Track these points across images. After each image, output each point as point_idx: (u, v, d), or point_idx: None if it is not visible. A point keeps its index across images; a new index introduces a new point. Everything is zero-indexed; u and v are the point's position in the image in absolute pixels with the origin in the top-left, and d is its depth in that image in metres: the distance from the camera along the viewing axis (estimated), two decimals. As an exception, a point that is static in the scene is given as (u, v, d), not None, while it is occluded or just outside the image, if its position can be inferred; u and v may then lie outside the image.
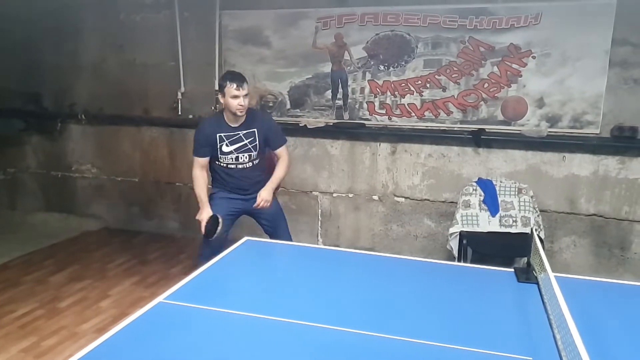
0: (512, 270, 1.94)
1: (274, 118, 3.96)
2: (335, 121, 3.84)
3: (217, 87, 3.98)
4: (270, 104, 3.98)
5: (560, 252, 3.55)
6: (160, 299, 1.69)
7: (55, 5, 4.27)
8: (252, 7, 3.86)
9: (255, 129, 2.85)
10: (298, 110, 3.92)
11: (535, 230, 3.21)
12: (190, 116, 4.15)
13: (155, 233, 4.46)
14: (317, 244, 4.01)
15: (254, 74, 3.95)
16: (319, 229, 4.08)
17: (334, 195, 4.00)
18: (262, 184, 2.93)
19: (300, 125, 3.89)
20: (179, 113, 4.17)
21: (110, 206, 4.64)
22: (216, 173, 2.93)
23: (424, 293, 1.84)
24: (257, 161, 2.92)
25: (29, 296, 3.24)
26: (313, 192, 4.04)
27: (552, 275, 1.57)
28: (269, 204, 2.89)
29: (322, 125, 3.86)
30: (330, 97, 3.83)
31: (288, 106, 3.94)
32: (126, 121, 4.37)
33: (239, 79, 2.72)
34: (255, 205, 2.87)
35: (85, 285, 3.43)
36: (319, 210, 4.05)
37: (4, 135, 4.74)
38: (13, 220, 4.74)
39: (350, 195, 3.96)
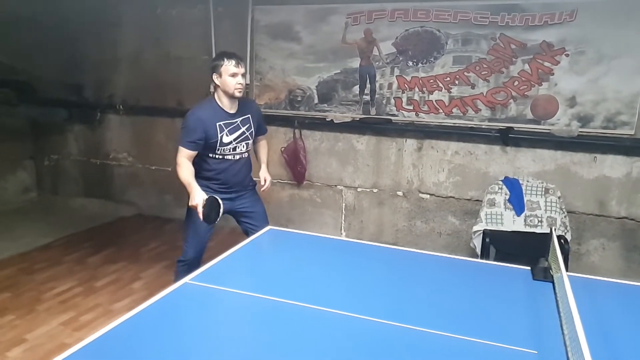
0: (529, 268, 1.95)
1: (303, 112, 4.06)
2: (362, 116, 3.88)
3: (247, 81, 4.10)
4: (299, 99, 4.05)
5: (587, 254, 3.49)
6: (186, 279, 1.80)
7: (96, 1, 4.46)
8: (284, 2, 3.93)
9: (250, 115, 2.66)
10: (325, 104, 3.98)
11: (562, 231, 3.18)
12: (222, 109, 4.26)
13: (186, 221, 4.62)
14: (341, 237, 4.07)
15: (284, 69, 4.03)
16: (343, 222, 4.14)
17: (359, 189, 4.05)
18: (248, 179, 2.79)
19: (327, 120, 3.95)
20: (211, 105, 4.30)
21: (144, 194, 4.84)
22: (204, 169, 2.65)
23: (440, 286, 1.87)
24: (249, 150, 2.75)
25: (68, 275, 3.44)
26: (338, 186, 4.10)
27: (564, 273, 1.58)
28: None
29: (349, 120, 3.90)
30: (357, 92, 3.87)
31: (316, 101, 4.00)
32: (161, 112, 4.53)
33: (236, 55, 2.54)
34: (263, 188, 2.76)
35: (119, 267, 3.61)
36: (343, 204, 4.11)
37: (49, 124, 5.01)
38: (56, 204, 5.02)
39: (375, 191, 4.00)
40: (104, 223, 4.55)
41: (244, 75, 2.55)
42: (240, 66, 2.52)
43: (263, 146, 2.91)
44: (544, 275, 1.87)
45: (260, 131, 2.83)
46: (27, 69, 4.59)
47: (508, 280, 1.91)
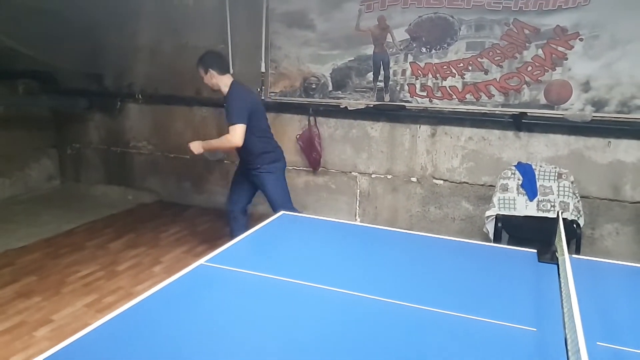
0: (535, 251, 1.99)
1: (317, 99, 4.10)
2: (376, 103, 3.91)
3: (263, 69, 4.17)
4: (313, 86, 4.10)
5: (601, 239, 3.49)
6: (201, 261, 1.88)
7: (115, -9, 4.55)
8: (298, -10, 3.96)
9: (225, 104, 3.19)
10: (339, 92, 4.02)
11: (575, 216, 3.19)
12: (238, 97, 4.32)
13: (205, 207, 4.74)
14: (355, 222, 4.12)
15: (298, 57, 4.08)
16: (357, 208, 4.20)
17: (373, 176, 4.09)
18: (251, 162, 3.26)
19: (341, 106, 3.99)
20: (227, 94, 4.36)
21: (163, 181, 4.96)
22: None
23: (447, 268, 1.92)
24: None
25: (91, 259, 3.58)
26: (352, 173, 4.15)
27: (567, 254, 1.62)
28: (192, 150, 3.29)
29: (363, 107, 3.94)
30: (371, 79, 3.90)
31: (330, 88, 4.04)
32: (179, 101, 4.63)
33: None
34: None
35: (139, 252, 3.74)
36: (358, 191, 4.16)
37: (71, 113, 5.14)
38: (78, 192, 5.18)
39: (389, 177, 4.04)
40: (124, 210, 4.69)
41: (202, 78, 3.25)
42: (198, 70, 3.24)
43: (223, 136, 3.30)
44: (550, 257, 1.90)
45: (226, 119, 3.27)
46: (48, 59, 4.70)
47: (514, 263, 1.95)
